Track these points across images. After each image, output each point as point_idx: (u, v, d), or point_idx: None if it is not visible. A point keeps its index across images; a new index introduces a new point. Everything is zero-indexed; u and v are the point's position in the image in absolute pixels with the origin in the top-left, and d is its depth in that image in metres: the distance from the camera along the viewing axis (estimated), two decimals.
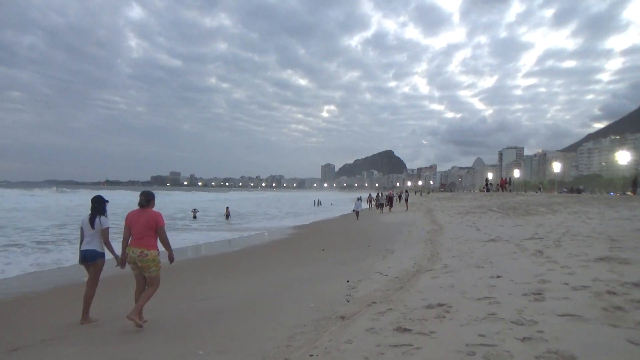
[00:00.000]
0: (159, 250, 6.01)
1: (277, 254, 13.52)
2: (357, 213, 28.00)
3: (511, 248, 9.88)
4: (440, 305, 5.02)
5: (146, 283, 6.00)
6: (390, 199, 34.18)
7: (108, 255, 6.51)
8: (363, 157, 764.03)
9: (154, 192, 6.46)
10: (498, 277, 6.42)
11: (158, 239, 5.97)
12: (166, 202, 54.60)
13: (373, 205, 38.26)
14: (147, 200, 6.05)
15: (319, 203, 54.04)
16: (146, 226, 5.87)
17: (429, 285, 6.34)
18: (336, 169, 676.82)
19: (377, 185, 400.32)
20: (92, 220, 6.42)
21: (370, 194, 44.45)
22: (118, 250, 6.32)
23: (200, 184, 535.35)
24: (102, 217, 6.46)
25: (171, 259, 6.10)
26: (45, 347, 5.32)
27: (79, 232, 6.52)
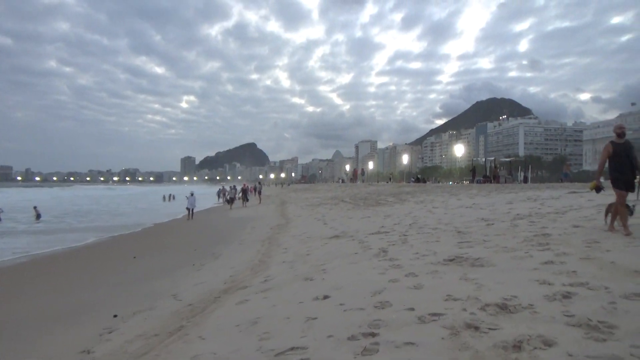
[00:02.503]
0: None
1: (64, 268, 10.43)
2: (190, 211, 22.74)
3: (354, 246, 8.37)
4: None
5: None
6: (244, 192, 31.67)
7: None
8: (225, 150, 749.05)
9: None
10: (325, 297, 4.59)
11: None
12: None
13: (224, 200, 35.43)
14: None
15: (172, 198, 49.35)
16: None
17: (225, 321, 4.24)
18: (197, 162, 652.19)
19: (239, 178, 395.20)
20: None
21: (222, 186, 41.39)
22: None
23: (38, 179, 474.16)
24: None
25: None
26: None
27: None
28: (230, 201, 30.85)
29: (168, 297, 5.80)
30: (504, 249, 6.21)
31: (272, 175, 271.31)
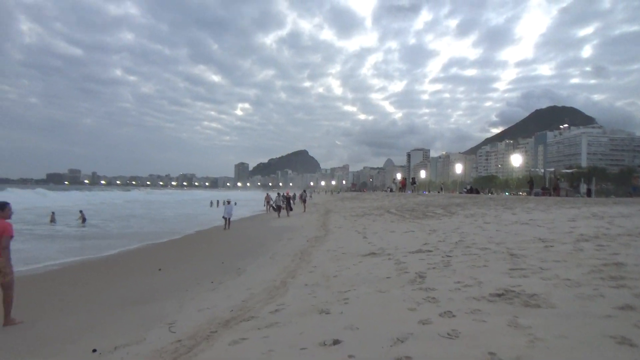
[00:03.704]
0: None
1: (82, 281, 10.06)
2: (226, 221, 21.66)
3: (388, 268, 7.40)
4: None
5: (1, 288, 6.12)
6: (288, 200, 31.06)
7: None
8: (278, 157, 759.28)
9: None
10: (335, 343, 3.69)
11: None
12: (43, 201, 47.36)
13: (269, 207, 34.95)
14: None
15: (220, 203, 49.86)
16: None
17: None
18: (250, 168, 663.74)
19: (291, 184, 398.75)
20: None
21: (267, 194, 41.03)
22: None
23: (103, 182, 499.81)
24: None
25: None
26: None
27: None
28: (278, 209, 30.37)
29: (163, 326, 5.06)
30: (566, 282, 5.05)
31: (323, 183, 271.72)
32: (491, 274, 5.83)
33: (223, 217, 21.84)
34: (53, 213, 25.60)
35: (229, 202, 22.78)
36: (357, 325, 4.14)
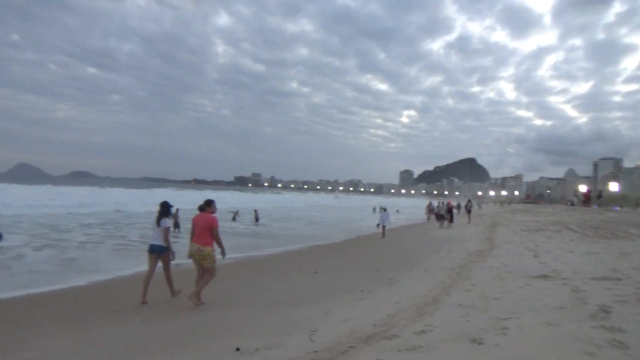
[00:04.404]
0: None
1: (238, 276, 10.71)
2: (382, 228, 20.80)
3: (562, 296, 6.32)
4: None
5: (204, 272, 7.30)
6: (450, 210, 29.55)
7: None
8: (444, 164, 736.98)
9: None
10: None
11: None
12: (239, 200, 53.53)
13: (431, 216, 33.66)
14: (207, 204, 7.49)
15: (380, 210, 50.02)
16: (204, 227, 7.23)
17: None
18: (415, 175, 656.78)
19: (457, 193, 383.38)
20: (158, 220, 7.78)
21: (430, 202, 39.63)
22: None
23: (279, 185, 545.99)
24: (165, 219, 7.83)
25: (223, 254, 7.48)
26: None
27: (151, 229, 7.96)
28: (439, 218, 29.19)
29: (305, 333, 4.99)
30: None
31: (492, 193, 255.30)
32: None
33: (378, 224, 21.56)
34: (237, 212, 28.47)
35: (384, 210, 22.49)
36: None
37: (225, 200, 54.27)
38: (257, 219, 27.10)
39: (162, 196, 47.29)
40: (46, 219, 23.15)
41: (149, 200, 41.50)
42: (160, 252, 7.80)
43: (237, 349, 4.50)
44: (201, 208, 7.53)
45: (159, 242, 7.78)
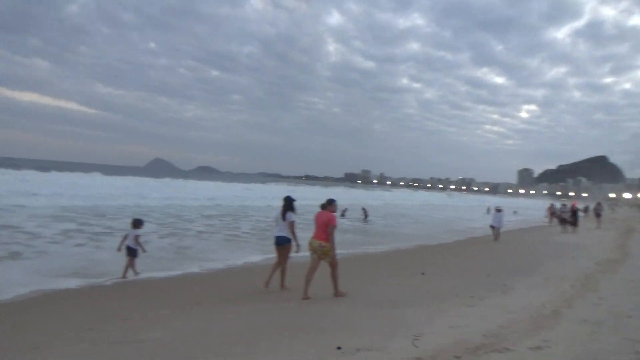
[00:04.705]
0: None
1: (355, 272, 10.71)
2: (495, 230, 19.33)
3: None
4: None
5: (330, 267, 7.71)
6: (574, 213, 26.76)
7: None
8: (569, 163, 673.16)
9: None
10: None
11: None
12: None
13: (552, 219, 30.77)
14: (328, 203, 7.91)
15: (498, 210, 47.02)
16: (324, 224, 7.56)
17: None
18: (535, 175, 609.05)
19: (584, 195, 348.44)
20: (283, 214, 8.31)
21: (551, 204, 36.25)
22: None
23: (389, 183, 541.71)
24: (290, 213, 8.32)
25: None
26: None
27: (274, 222, 8.60)
28: (563, 222, 26.66)
29: (408, 337, 4.80)
30: None
31: (627, 195, 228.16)
32: None
33: (491, 225, 20.18)
34: (346, 209, 28.74)
35: (498, 210, 20.90)
36: None
37: (335, 196, 54.99)
38: (365, 217, 27.12)
39: (278, 191, 50.02)
40: (174, 209, 25.43)
41: (266, 194, 43.94)
42: (284, 244, 8.31)
43: (339, 348, 4.49)
44: (323, 206, 7.93)
45: (283, 233, 8.29)
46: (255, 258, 11.98)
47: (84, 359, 4.72)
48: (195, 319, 6.36)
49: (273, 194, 41.63)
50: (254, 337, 5.34)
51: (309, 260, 7.73)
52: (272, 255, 9.25)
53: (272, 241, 8.67)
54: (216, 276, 9.98)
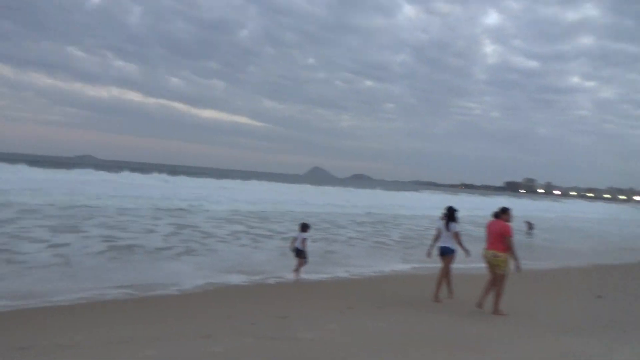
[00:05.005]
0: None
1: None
2: None
3: None
4: None
5: (495, 279, 7.42)
6: None
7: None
8: None
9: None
10: None
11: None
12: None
13: None
14: (502, 212, 7.68)
15: None
16: (497, 234, 7.39)
17: None
18: None
19: None
20: (447, 225, 8.31)
21: None
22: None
23: (557, 192, 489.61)
24: (454, 223, 8.32)
25: (518, 267, 7.35)
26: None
27: (435, 232, 8.57)
28: None
29: None
30: None
31: None
32: None
33: None
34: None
35: None
36: None
37: (498, 206, 51.39)
38: (530, 229, 24.82)
39: (435, 200, 48.84)
40: (329, 215, 26.50)
41: (421, 204, 43.30)
42: (447, 254, 8.33)
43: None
44: (496, 215, 7.76)
45: (447, 244, 8.32)
46: (403, 267, 11.84)
47: (247, 353, 5.09)
48: (348, 323, 6.50)
49: (429, 203, 40.76)
50: (404, 346, 5.26)
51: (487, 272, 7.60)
52: (419, 264, 9.83)
53: (436, 252, 8.54)
54: (365, 282, 10.13)
